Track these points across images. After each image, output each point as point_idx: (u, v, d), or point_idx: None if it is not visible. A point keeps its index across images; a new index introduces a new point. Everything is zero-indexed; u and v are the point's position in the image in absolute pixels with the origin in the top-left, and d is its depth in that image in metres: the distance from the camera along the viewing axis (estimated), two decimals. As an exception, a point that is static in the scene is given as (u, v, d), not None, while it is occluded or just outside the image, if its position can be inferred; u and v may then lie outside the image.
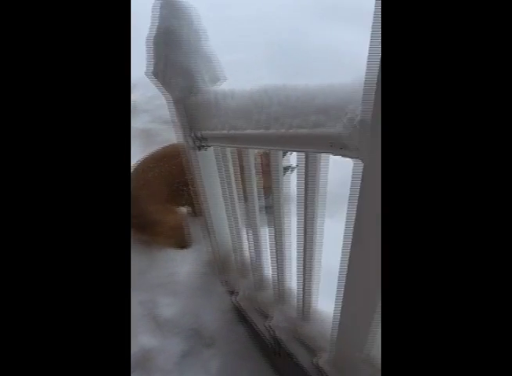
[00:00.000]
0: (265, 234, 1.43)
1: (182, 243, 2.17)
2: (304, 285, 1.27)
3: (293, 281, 1.46)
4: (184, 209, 2.34)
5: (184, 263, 2.09)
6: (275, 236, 1.30)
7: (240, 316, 1.95)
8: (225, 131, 1.15)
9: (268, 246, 1.42)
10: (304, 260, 1.19)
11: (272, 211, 1.22)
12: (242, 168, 1.30)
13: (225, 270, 1.95)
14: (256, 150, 1.26)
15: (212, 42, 1.44)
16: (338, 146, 0.77)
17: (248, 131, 1.04)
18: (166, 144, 2.21)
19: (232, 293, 1.95)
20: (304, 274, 1.24)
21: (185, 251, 2.14)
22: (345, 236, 0.84)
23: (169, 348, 1.88)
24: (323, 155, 0.88)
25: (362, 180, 0.72)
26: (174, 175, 2.03)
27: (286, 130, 0.89)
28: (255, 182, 1.34)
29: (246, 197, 1.40)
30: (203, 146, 1.41)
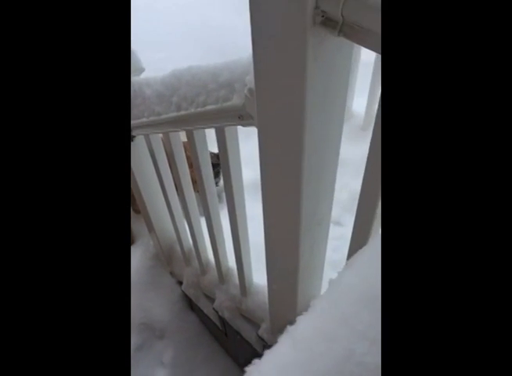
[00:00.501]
0: (202, 221, 1.47)
1: (127, 241, 2.17)
2: (237, 262, 1.33)
3: (231, 261, 1.52)
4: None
5: (131, 259, 2.09)
6: (207, 221, 1.35)
7: (190, 304, 1.98)
8: (144, 119, 1.19)
9: (206, 232, 1.47)
10: (233, 239, 1.25)
11: (202, 195, 1.27)
12: (172, 157, 1.34)
13: (171, 261, 1.97)
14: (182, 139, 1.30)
15: (141, 41, 1.46)
16: (245, 117, 0.83)
17: (164, 116, 1.08)
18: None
19: (180, 283, 1.98)
20: (235, 252, 1.30)
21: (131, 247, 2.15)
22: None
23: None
24: (231, 128, 0.94)
25: (259, 148, 0.78)
26: None
27: (195, 109, 0.94)
28: (187, 171, 1.38)
29: (179, 187, 1.44)
30: (134, 136, 1.43)
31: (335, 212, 1.34)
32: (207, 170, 1.16)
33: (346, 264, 0.32)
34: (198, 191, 1.24)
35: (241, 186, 1.07)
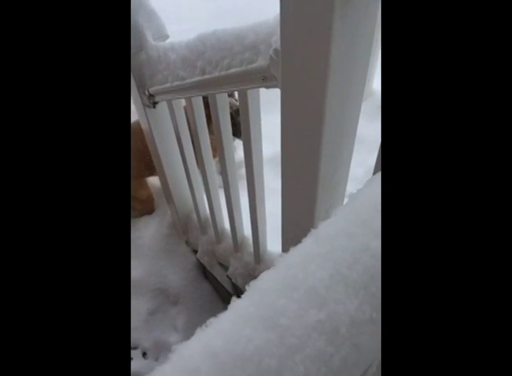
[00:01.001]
0: (220, 190, 1.51)
1: (149, 211, 2.23)
2: (253, 231, 1.37)
3: (246, 230, 1.55)
4: (154, 179, 2.36)
5: (148, 228, 2.15)
6: (224, 186, 1.38)
7: (204, 272, 2.04)
8: (168, 85, 1.21)
9: (223, 200, 1.50)
10: (251, 207, 1.29)
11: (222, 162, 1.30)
12: (193, 123, 1.36)
13: (187, 230, 2.02)
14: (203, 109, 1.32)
15: (166, 13, 1.48)
16: (269, 79, 0.85)
17: (189, 80, 1.10)
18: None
19: (195, 251, 2.04)
20: (251, 220, 1.33)
21: (148, 216, 2.20)
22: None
23: (136, 307, 1.96)
24: (254, 91, 0.96)
25: (281, 109, 0.80)
26: (146, 148, 2.02)
27: (220, 72, 0.96)
28: (207, 137, 1.40)
29: (199, 154, 1.47)
30: (157, 102, 1.46)
31: (351, 188, 1.36)
32: (228, 134, 1.19)
33: (365, 182, 0.34)
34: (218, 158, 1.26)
35: (260, 148, 1.09)
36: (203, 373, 0.22)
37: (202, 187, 1.65)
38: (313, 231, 0.30)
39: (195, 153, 1.55)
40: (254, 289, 0.27)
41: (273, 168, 1.70)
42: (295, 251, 0.29)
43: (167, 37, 1.33)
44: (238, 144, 2.08)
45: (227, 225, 1.63)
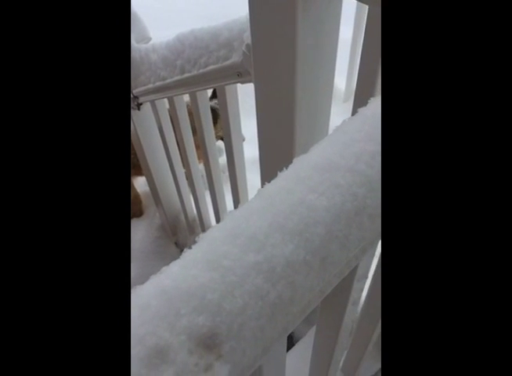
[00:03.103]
0: (206, 189, 1.54)
1: (137, 213, 2.23)
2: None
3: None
4: (142, 180, 2.37)
5: (137, 230, 2.17)
6: (209, 186, 1.41)
7: (193, 273, 2.06)
8: (151, 85, 1.24)
9: (209, 200, 1.53)
10: (235, 202, 1.32)
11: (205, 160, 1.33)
12: (176, 122, 1.39)
13: (176, 231, 2.05)
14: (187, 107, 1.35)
15: (149, 18, 1.52)
16: (243, 74, 0.89)
17: (169, 80, 1.13)
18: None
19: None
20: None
21: (137, 219, 2.22)
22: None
23: (127, 309, 1.98)
24: (231, 87, 0.99)
25: (256, 102, 0.83)
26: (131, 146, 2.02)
27: (198, 70, 1.00)
28: (190, 136, 1.43)
29: (184, 154, 1.49)
30: (141, 103, 1.49)
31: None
32: (210, 131, 1.22)
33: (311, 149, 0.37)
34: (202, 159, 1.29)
35: (240, 142, 1.12)
36: (153, 307, 0.25)
37: (188, 188, 1.68)
38: (259, 190, 0.33)
39: (180, 155, 1.58)
40: (201, 239, 0.30)
41: (256, 169, 1.73)
42: (241, 207, 0.32)
43: (149, 39, 1.36)
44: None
45: (214, 222, 1.66)
